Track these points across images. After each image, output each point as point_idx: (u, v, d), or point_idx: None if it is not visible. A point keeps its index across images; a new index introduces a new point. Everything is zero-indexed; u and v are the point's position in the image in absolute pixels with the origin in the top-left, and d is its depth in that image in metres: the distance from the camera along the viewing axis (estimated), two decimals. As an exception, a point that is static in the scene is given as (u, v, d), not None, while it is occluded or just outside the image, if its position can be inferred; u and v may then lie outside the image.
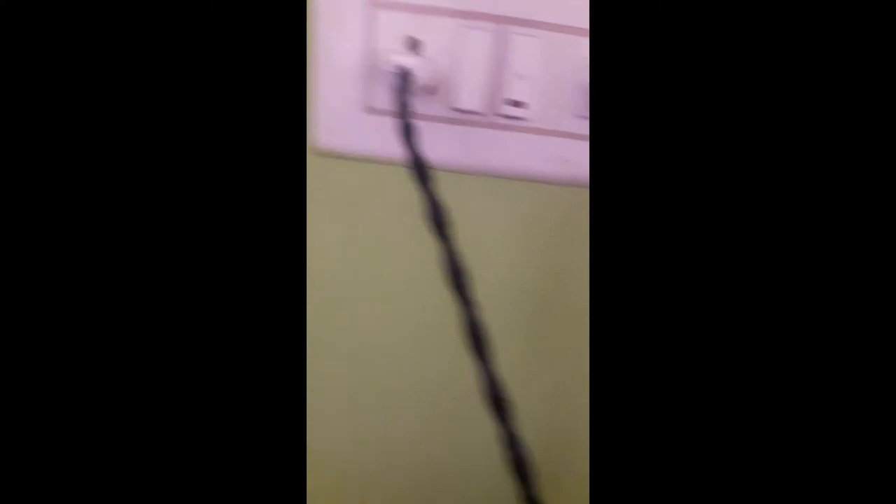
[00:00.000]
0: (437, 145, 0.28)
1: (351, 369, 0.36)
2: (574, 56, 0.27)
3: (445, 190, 0.30)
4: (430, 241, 0.30)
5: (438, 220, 0.16)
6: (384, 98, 0.27)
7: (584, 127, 0.28)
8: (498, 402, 0.14)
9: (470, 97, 0.27)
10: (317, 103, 0.28)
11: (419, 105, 0.27)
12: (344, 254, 0.33)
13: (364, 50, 0.26)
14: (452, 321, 0.31)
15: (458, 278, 0.15)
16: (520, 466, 0.14)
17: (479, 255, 0.25)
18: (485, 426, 0.35)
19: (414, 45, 0.26)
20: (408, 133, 0.19)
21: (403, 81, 0.22)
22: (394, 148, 0.28)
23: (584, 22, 0.26)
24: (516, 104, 0.28)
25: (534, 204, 0.31)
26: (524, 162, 0.29)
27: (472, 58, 0.26)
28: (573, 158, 0.29)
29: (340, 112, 0.28)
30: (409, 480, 0.38)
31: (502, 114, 0.28)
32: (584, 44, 0.26)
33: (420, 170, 0.18)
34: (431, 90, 0.27)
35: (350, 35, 0.26)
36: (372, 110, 0.28)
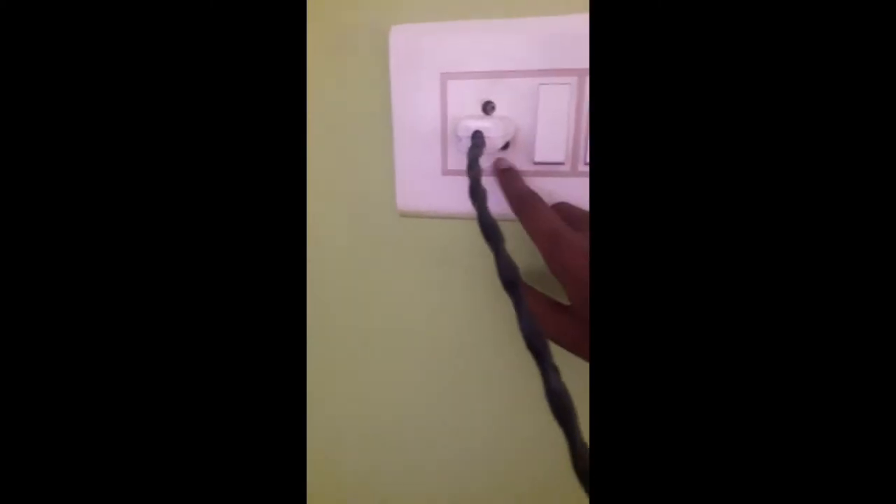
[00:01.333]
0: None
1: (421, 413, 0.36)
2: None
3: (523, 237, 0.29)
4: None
5: (510, 280, 0.15)
6: (459, 160, 0.28)
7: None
8: (585, 475, 0.12)
9: (551, 149, 0.26)
10: (398, 169, 0.29)
11: (499, 161, 0.27)
12: (422, 305, 0.33)
13: (439, 117, 0.27)
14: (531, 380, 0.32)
15: (534, 341, 0.13)
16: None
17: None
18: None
19: (488, 108, 0.26)
20: (475, 194, 0.19)
21: (474, 144, 0.22)
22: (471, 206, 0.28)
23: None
24: (602, 151, 0.26)
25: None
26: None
27: (552, 112, 0.26)
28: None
29: (420, 176, 0.28)
30: None
31: (588, 163, 0.26)
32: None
33: (488, 231, 0.17)
34: (508, 147, 0.26)
35: (426, 104, 0.27)
36: (449, 172, 0.28)
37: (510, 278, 0.15)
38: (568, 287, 0.21)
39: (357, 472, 0.39)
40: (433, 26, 0.26)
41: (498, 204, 0.26)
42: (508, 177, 0.26)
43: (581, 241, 0.21)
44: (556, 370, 0.13)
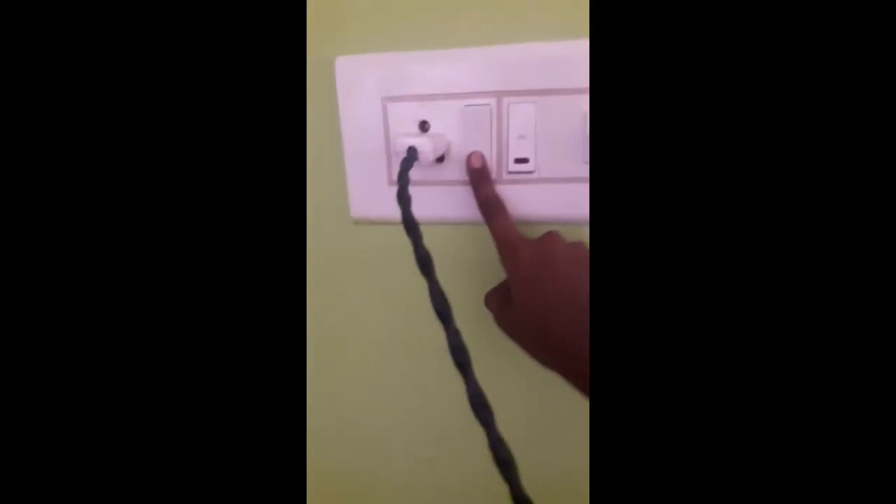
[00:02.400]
0: (455, 204, 0.32)
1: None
2: (566, 112, 0.29)
3: (465, 239, 0.33)
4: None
5: (424, 265, 0.20)
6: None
7: (584, 171, 0.31)
8: (482, 410, 0.16)
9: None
10: (350, 181, 0.33)
11: (435, 173, 0.32)
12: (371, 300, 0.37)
13: (382, 135, 0.31)
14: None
15: (441, 309, 0.18)
16: (504, 466, 0.15)
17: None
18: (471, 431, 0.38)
19: (423, 126, 0.31)
20: (401, 198, 0.23)
21: (406, 158, 0.27)
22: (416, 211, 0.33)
23: (569, 83, 0.29)
24: (521, 161, 0.31)
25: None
26: (536, 209, 0.32)
27: (476, 129, 0.30)
28: (580, 201, 0.31)
29: (370, 186, 0.33)
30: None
31: (511, 171, 0.31)
32: (572, 101, 0.29)
33: (409, 226, 0.22)
34: (442, 160, 0.31)
35: (370, 124, 0.31)
36: (394, 182, 0.32)
37: (425, 262, 0.20)
38: (511, 285, 0.27)
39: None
40: (373, 57, 0.30)
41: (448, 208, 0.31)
42: (478, 179, 0.30)
43: (525, 251, 0.26)
44: (474, 379, 0.17)
